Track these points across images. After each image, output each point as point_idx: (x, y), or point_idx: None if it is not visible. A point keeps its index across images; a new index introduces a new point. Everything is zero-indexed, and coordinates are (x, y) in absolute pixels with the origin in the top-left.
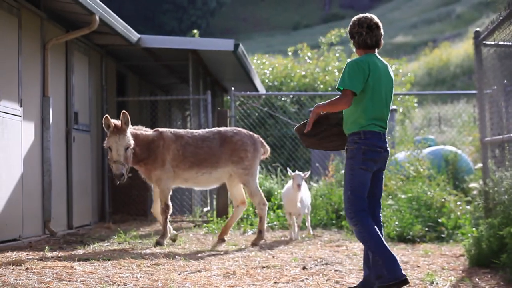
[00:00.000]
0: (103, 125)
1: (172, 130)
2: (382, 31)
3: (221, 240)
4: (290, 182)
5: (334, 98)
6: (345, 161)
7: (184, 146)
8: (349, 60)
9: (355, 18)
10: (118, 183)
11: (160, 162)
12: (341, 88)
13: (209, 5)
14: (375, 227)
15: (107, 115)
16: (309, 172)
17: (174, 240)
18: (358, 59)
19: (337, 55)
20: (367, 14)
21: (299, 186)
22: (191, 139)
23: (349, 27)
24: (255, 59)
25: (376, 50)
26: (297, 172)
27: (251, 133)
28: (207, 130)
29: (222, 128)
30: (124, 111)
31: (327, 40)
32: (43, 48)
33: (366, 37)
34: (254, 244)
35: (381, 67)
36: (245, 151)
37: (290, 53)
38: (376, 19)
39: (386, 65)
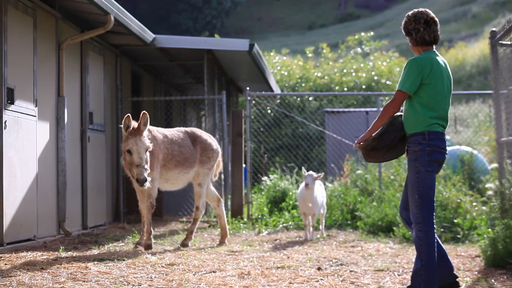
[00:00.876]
0: (122, 125)
1: (157, 128)
2: (438, 26)
3: (222, 243)
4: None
5: (386, 104)
6: (408, 163)
7: (171, 144)
8: (409, 60)
9: (409, 13)
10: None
11: (155, 161)
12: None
13: (224, 5)
14: (435, 241)
15: (129, 114)
16: (322, 173)
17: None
18: (418, 58)
19: (355, 57)
20: (422, 9)
21: (307, 185)
22: (175, 137)
23: (403, 23)
24: (272, 57)
25: (434, 47)
26: (309, 172)
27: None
28: (176, 129)
29: (188, 128)
30: (144, 111)
31: (346, 44)
32: (58, 48)
33: (424, 33)
34: (184, 244)
35: (442, 64)
36: (212, 151)
37: (308, 53)
38: (432, 13)
39: (445, 62)
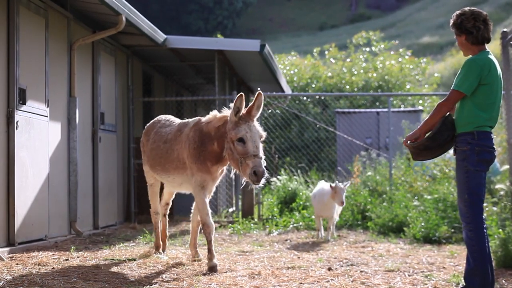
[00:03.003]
0: (232, 108)
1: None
2: None
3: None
4: (323, 185)
5: (440, 102)
6: (456, 162)
7: None
8: (467, 59)
9: (466, 11)
10: (250, 187)
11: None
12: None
13: (235, 5)
14: (486, 239)
15: (242, 93)
16: (349, 183)
17: None
18: (477, 58)
19: (365, 56)
20: (473, 8)
21: (343, 203)
22: None
23: (459, 21)
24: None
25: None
26: (338, 184)
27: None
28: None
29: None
30: (259, 91)
31: (357, 42)
32: (69, 49)
33: (484, 31)
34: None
35: (497, 65)
36: None
37: (315, 53)
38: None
39: (497, 63)
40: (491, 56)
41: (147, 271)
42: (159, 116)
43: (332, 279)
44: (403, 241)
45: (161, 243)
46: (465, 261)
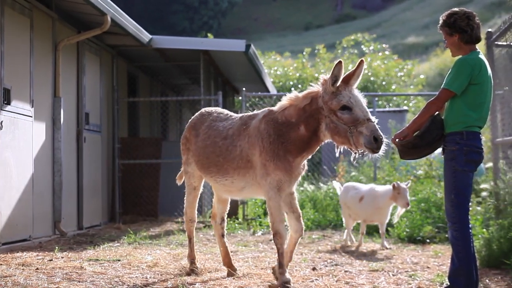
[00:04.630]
0: (329, 77)
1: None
2: None
3: None
4: (371, 187)
5: (429, 101)
6: (444, 162)
7: None
8: (459, 58)
9: (458, 11)
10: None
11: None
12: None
13: (220, 5)
14: (471, 239)
15: (341, 60)
16: (409, 182)
17: None
18: (469, 58)
19: (352, 57)
20: (463, 8)
21: (408, 204)
22: None
23: (453, 20)
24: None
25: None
26: (401, 184)
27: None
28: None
29: None
30: (363, 59)
31: (347, 44)
32: (54, 49)
33: (477, 31)
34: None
35: (487, 65)
36: None
37: (301, 57)
38: None
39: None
40: (482, 56)
41: (132, 271)
42: (205, 109)
43: (316, 279)
44: (388, 241)
45: (195, 255)
46: (449, 261)
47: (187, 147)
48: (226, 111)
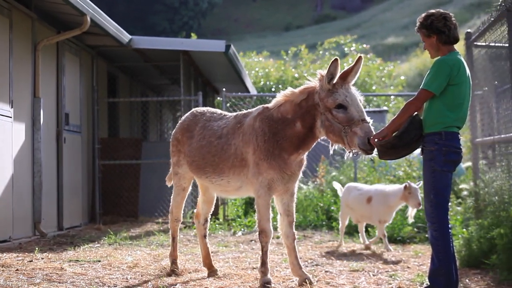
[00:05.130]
0: (325, 75)
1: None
2: None
3: None
4: (379, 187)
5: (408, 101)
6: (423, 162)
7: None
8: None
9: (434, 12)
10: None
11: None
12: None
13: (200, 6)
14: (451, 239)
15: (337, 58)
16: (420, 183)
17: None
18: (447, 58)
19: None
20: (439, 9)
21: (420, 204)
22: None
23: (430, 21)
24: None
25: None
26: (412, 184)
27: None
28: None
29: None
30: (360, 55)
31: (329, 46)
32: (34, 49)
33: (454, 31)
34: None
35: (466, 66)
36: None
37: (287, 54)
38: None
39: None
40: (460, 57)
41: (112, 272)
42: (197, 109)
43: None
44: (368, 241)
45: (178, 255)
46: (429, 261)
47: (178, 149)
48: (219, 111)
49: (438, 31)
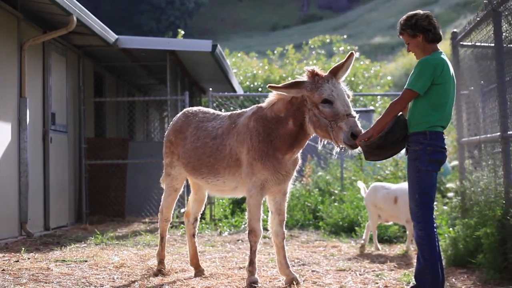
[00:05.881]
0: (306, 79)
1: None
2: None
3: None
4: (402, 185)
5: (392, 101)
6: (408, 162)
7: None
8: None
9: (416, 12)
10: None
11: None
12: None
13: (187, 6)
14: (436, 238)
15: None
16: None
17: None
18: (431, 58)
19: (319, 57)
20: (420, 10)
21: None
22: None
23: (414, 21)
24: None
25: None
26: None
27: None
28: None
29: None
30: (352, 51)
31: (315, 44)
32: (20, 49)
33: (438, 30)
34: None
35: (450, 66)
36: None
37: (272, 55)
38: None
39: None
40: (444, 56)
41: (98, 272)
42: (188, 109)
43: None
44: (355, 241)
45: (165, 255)
46: (415, 260)
47: (171, 151)
48: (212, 110)
49: (424, 29)
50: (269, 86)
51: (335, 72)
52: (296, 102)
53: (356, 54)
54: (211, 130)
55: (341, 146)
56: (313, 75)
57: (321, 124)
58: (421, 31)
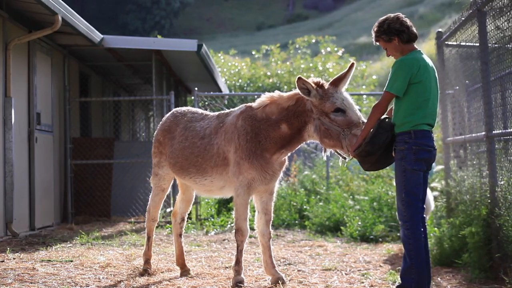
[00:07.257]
0: (301, 91)
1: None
2: None
3: None
4: None
5: (373, 105)
6: (395, 162)
7: None
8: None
9: (387, 17)
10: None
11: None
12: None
13: (172, 5)
14: (423, 237)
15: (300, 76)
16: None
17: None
18: (405, 58)
19: (305, 57)
20: (390, 14)
21: None
22: None
23: (386, 26)
24: (220, 57)
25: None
26: None
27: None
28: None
29: None
30: (353, 62)
31: (301, 45)
32: (5, 49)
33: (412, 29)
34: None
35: (429, 63)
36: None
37: (257, 53)
38: None
39: (430, 61)
40: (420, 55)
41: (84, 272)
42: (177, 109)
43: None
44: (340, 240)
45: (152, 254)
46: (401, 260)
47: (159, 151)
48: (200, 110)
49: (397, 32)
50: (299, 78)
51: (337, 83)
52: (294, 109)
53: (339, 52)
54: (199, 130)
55: (351, 156)
56: (319, 86)
57: (331, 133)
58: (395, 34)
